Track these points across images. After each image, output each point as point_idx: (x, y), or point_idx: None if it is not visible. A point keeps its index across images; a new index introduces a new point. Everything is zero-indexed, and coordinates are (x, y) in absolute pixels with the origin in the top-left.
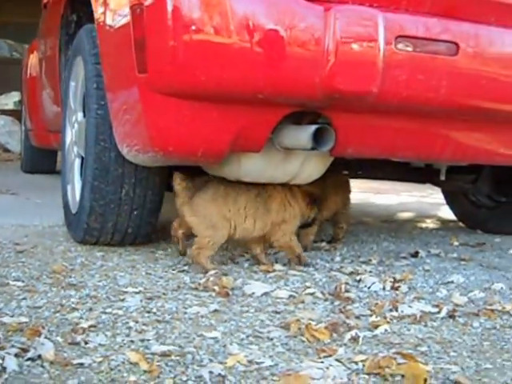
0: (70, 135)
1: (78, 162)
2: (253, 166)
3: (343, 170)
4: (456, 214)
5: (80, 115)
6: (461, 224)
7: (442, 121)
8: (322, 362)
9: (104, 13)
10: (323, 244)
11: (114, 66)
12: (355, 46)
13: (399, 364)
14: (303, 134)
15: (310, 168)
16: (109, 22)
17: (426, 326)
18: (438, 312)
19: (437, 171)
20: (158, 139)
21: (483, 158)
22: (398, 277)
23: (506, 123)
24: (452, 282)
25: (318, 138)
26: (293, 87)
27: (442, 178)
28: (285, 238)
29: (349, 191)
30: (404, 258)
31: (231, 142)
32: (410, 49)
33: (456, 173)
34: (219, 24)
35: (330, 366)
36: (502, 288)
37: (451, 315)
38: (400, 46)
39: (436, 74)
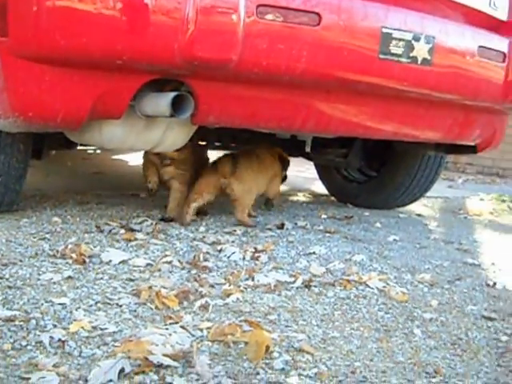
0: None
1: None
2: (114, 133)
3: (215, 141)
4: (328, 188)
5: None
6: (332, 198)
7: (305, 91)
8: (166, 329)
9: None
10: None
11: None
12: (215, 15)
13: (244, 332)
14: (162, 101)
15: (172, 136)
16: None
17: (279, 295)
18: (294, 282)
19: (303, 143)
20: (18, 104)
21: (348, 130)
22: (259, 247)
23: (369, 95)
24: (314, 253)
25: (176, 106)
26: (152, 54)
27: (308, 149)
28: (276, 189)
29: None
30: (269, 229)
31: (91, 108)
32: (270, 18)
33: (327, 146)
34: None
35: (174, 332)
36: (362, 259)
37: (307, 285)
38: (261, 15)
39: (297, 44)
